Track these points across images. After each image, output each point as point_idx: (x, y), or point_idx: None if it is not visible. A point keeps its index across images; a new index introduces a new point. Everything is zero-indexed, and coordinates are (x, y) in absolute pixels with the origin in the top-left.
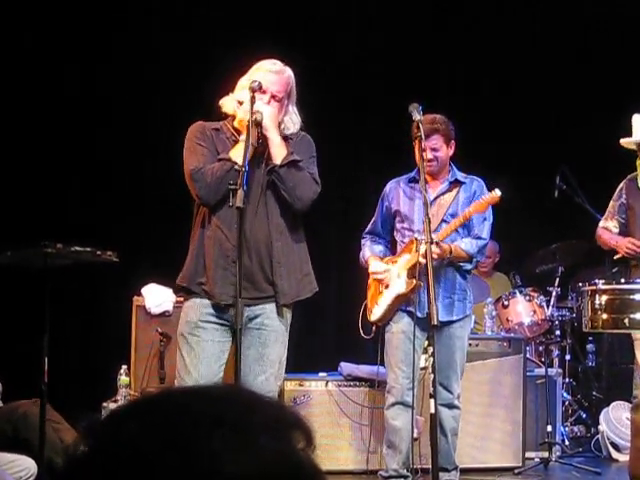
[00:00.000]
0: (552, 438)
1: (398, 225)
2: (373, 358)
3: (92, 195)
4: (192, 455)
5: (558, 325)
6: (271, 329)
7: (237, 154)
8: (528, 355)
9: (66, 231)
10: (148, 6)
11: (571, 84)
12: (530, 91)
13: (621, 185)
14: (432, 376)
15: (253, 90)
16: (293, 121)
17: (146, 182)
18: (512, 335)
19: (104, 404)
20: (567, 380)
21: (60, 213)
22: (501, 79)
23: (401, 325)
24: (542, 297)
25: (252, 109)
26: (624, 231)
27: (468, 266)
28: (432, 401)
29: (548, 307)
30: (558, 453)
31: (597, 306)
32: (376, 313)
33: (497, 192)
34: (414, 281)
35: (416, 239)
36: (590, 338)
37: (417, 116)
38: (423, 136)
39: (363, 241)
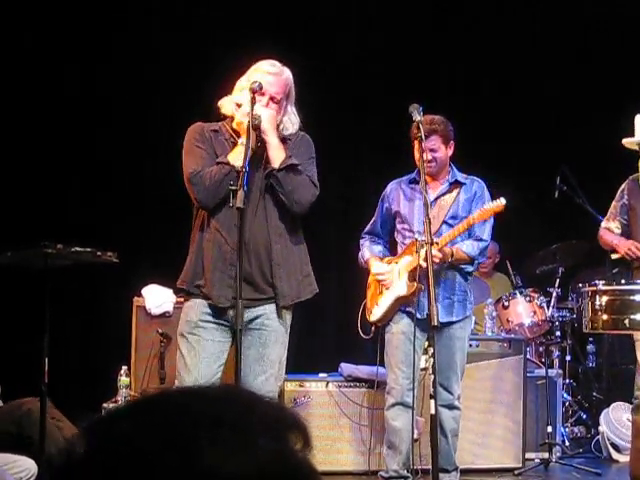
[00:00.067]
0: (552, 439)
1: (398, 226)
2: (373, 359)
3: (92, 195)
4: (191, 455)
5: (558, 326)
6: (271, 329)
7: (235, 157)
8: (528, 356)
9: (66, 231)
10: (148, 6)
11: (571, 84)
12: (530, 91)
13: (623, 186)
14: (432, 377)
15: (253, 91)
16: (292, 121)
17: (146, 182)
18: (512, 336)
19: (104, 405)
20: (567, 381)
21: (60, 213)
22: (501, 79)
23: (401, 326)
24: (542, 298)
25: (252, 110)
26: (626, 232)
27: (469, 268)
28: (432, 402)
29: (548, 308)
30: (558, 454)
31: (597, 307)
32: (376, 313)
33: (502, 201)
34: (415, 284)
35: (417, 240)
36: (590, 339)
37: (417, 117)
38: (423, 136)
39: (362, 241)
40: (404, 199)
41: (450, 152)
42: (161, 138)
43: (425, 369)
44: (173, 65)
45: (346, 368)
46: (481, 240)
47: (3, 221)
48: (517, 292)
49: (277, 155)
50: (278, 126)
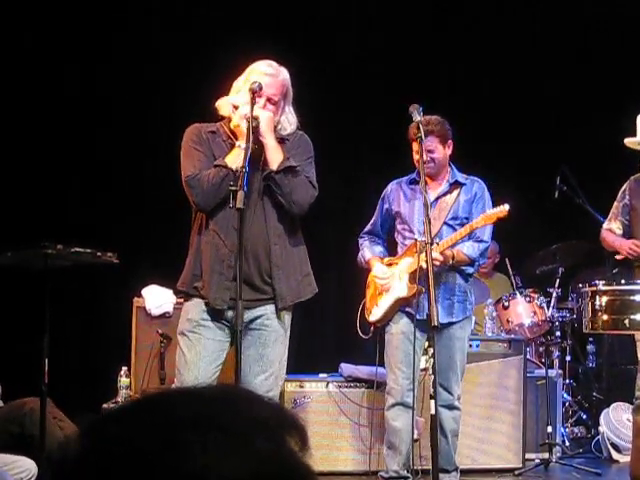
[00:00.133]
0: (552, 439)
1: (399, 226)
2: (373, 359)
3: (92, 195)
4: (187, 456)
5: (558, 326)
6: (271, 330)
7: (233, 160)
8: (528, 356)
9: (66, 232)
10: (148, 6)
11: (571, 84)
12: (530, 91)
13: (625, 186)
14: (432, 377)
15: (253, 91)
16: (290, 121)
17: (146, 182)
18: (512, 336)
19: (104, 405)
20: (567, 381)
21: (60, 213)
22: (501, 79)
23: (400, 326)
24: (542, 298)
25: (252, 110)
26: (628, 232)
27: (470, 269)
28: (432, 402)
29: (548, 308)
30: (558, 454)
31: (597, 307)
32: (376, 314)
33: (506, 207)
34: (416, 286)
35: (417, 241)
36: (590, 339)
37: (417, 117)
38: (423, 137)
39: (361, 241)
40: (404, 199)
41: (449, 152)
42: (161, 138)
43: (425, 369)
44: (173, 65)
45: (346, 368)
46: (482, 241)
47: (3, 221)
48: (517, 292)
49: (275, 157)
50: (276, 127)
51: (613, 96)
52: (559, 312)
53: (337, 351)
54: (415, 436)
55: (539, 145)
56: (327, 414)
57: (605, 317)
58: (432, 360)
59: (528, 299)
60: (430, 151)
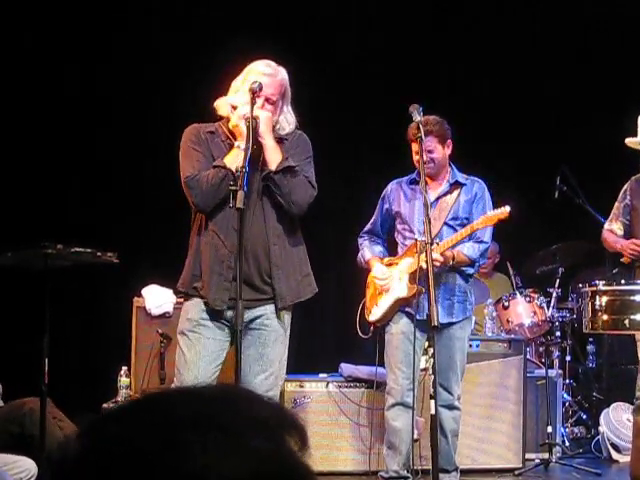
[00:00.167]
0: (552, 439)
1: (399, 226)
2: (372, 359)
3: (92, 195)
4: (186, 456)
5: (558, 326)
6: (271, 329)
7: (231, 160)
8: (528, 356)
9: (66, 232)
10: (148, 6)
11: (571, 84)
12: (530, 91)
13: (626, 186)
14: (432, 377)
15: (253, 91)
16: (288, 121)
17: (146, 182)
18: (512, 336)
19: (104, 405)
20: (567, 381)
21: (60, 213)
22: (501, 79)
23: (400, 325)
24: (542, 298)
25: (252, 110)
26: (628, 232)
27: (470, 270)
28: (432, 402)
29: (548, 308)
30: (558, 454)
31: (597, 307)
32: (375, 314)
33: (507, 208)
34: (416, 286)
35: (417, 241)
36: (590, 339)
37: (417, 117)
38: (423, 137)
39: (361, 240)
40: (404, 199)
41: (448, 151)
42: (161, 138)
43: (425, 369)
44: (173, 65)
45: (346, 368)
46: (482, 242)
47: (3, 221)
48: (517, 292)
49: (274, 157)
50: (274, 127)
51: (613, 96)
52: (559, 312)
53: (337, 351)
54: (415, 436)
55: (539, 145)
56: (327, 414)
57: (605, 317)
58: (432, 360)
59: (528, 299)
60: (429, 151)
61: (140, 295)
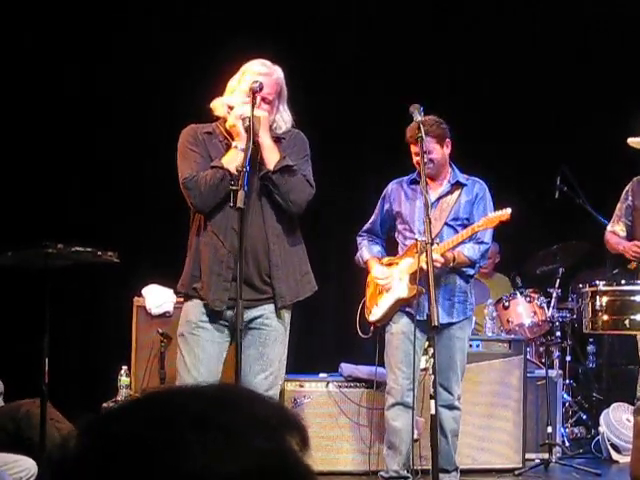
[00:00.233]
0: (552, 439)
1: (399, 226)
2: (373, 358)
3: (92, 195)
4: (188, 455)
5: (558, 326)
6: (271, 329)
7: (229, 160)
8: (528, 356)
9: (66, 231)
10: (148, 6)
11: (571, 84)
12: (530, 91)
13: (627, 187)
14: (432, 377)
15: (254, 91)
16: (284, 120)
17: (146, 182)
18: (512, 336)
19: (104, 405)
20: (567, 381)
21: (60, 213)
22: (501, 79)
23: (400, 325)
24: (543, 298)
25: (253, 110)
26: (630, 233)
27: (471, 271)
28: (432, 402)
29: (549, 308)
30: (558, 454)
31: (597, 307)
32: (376, 314)
33: (508, 210)
34: (416, 287)
35: (418, 241)
36: (590, 339)
37: (418, 117)
38: (424, 136)
39: (359, 240)
40: (405, 199)
41: (447, 151)
42: (161, 138)
43: (425, 369)
44: (173, 65)
45: (346, 368)
46: (482, 243)
47: (3, 221)
48: (517, 292)
49: (271, 156)
50: (271, 126)
51: (613, 96)
52: (559, 312)
53: (337, 351)
54: (415, 436)
55: (539, 145)
56: (327, 414)
57: (605, 317)
58: (432, 360)
59: (528, 299)
60: (427, 152)
61: (140, 295)
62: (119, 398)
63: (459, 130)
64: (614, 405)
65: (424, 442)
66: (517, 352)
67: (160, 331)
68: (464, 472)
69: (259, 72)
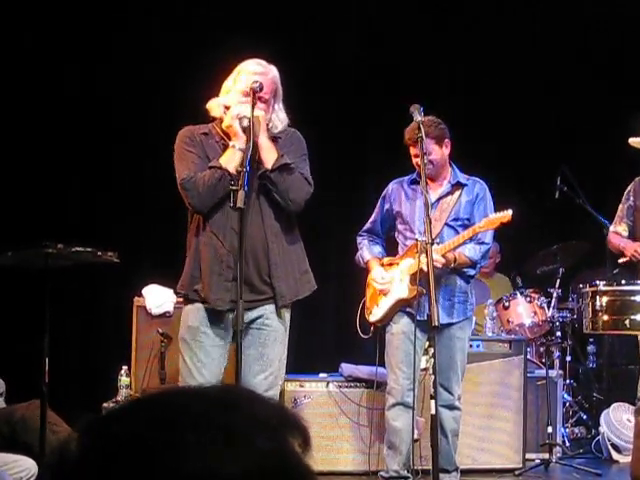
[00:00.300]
0: (553, 439)
1: (399, 227)
2: (373, 359)
3: (92, 195)
4: (189, 455)
5: (559, 326)
6: (271, 329)
7: (227, 160)
8: (529, 356)
9: (66, 231)
10: (148, 6)
11: (571, 84)
12: (530, 91)
13: (629, 187)
14: (432, 377)
15: (254, 92)
16: (280, 119)
17: (146, 182)
18: (513, 336)
19: (105, 405)
20: (568, 381)
21: (60, 213)
22: (501, 79)
23: (401, 325)
24: (543, 298)
25: (253, 110)
26: (633, 233)
27: (472, 272)
28: (433, 402)
29: (549, 308)
30: (559, 454)
31: (598, 307)
32: (376, 314)
33: (509, 212)
34: (416, 287)
35: (418, 241)
36: (591, 339)
37: (418, 117)
38: (424, 136)
39: (360, 239)
40: (405, 199)
41: (447, 151)
42: (161, 138)
43: (425, 369)
44: (173, 65)
45: (346, 368)
46: (483, 243)
47: (3, 221)
48: (517, 292)
49: (269, 156)
50: (267, 125)
51: (613, 96)
52: (559, 312)
53: (337, 351)
54: (415, 436)
55: (539, 145)
56: (327, 414)
57: (605, 317)
58: (432, 360)
59: (528, 299)
60: (427, 154)
61: (140, 295)
62: (119, 398)
63: (459, 130)
64: (614, 405)
65: (424, 442)
66: (517, 352)
67: (160, 331)
68: (464, 472)
69: (254, 71)
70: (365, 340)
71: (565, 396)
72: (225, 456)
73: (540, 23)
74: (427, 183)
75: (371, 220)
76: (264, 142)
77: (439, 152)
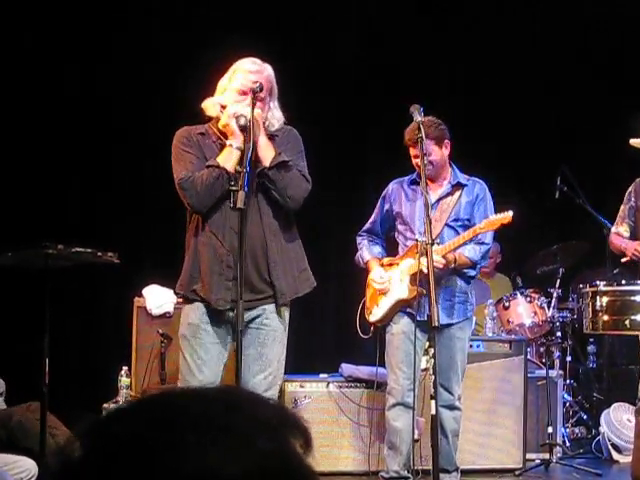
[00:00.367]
0: (553, 439)
1: (400, 227)
2: (373, 359)
3: (92, 195)
4: (189, 456)
5: (559, 326)
6: (270, 329)
7: (224, 159)
8: (529, 356)
9: (67, 232)
10: (148, 6)
11: (571, 84)
12: (530, 91)
13: (630, 188)
14: (433, 377)
15: (254, 92)
16: (276, 117)
17: (146, 182)
18: (513, 336)
19: (105, 405)
20: (568, 381)
21: (60, 213)
22: (501, 79)
23: (401, 325)
24: (543, 298)
25: (253, 111)
26: (634, 234)
27: (472, 272)
28: (433, 402)
29: (549, 308)
30: (559, 454)
31: (598, 307)
32: (376, 314)
33: (509, 213)
34: (416, 288)
35: (418, 242)
36: (591, 339)
37: (418, 117)
38: (424, 136)
39: (359, 240)
40: (405, 200)
41: (447, 152)
42: (161, 138)
43: (426, 370)
44: (173, 65)
45: (346, 369)
46: (483, 244)
47: (3, 221)
48: (518, 293)
49: (267, 154)
50: (264, 123)
51: (613, 96)
52: (560, 312)
53: (337, 351)
54: (416, 436)
55: (539, 145)
56: (327, 414)
57: (606, 317)
58: (433, 360)
59: (529, 299)
60: (427, 154)
61: (141, 295)
62: (119, 399)
63: (459, 130)
64: (615, 405)
65: (425, 442)
66: (518, 352)
67: (160, 331)
68: (465, 472)
69: (250, 70)
70: (365, 340)
71: (565, 396)
72: (226, 457)
73: (540, 23)
74: (427, 184)
75: (371, 220)
76: (262, 140)
77: (439, 153)
